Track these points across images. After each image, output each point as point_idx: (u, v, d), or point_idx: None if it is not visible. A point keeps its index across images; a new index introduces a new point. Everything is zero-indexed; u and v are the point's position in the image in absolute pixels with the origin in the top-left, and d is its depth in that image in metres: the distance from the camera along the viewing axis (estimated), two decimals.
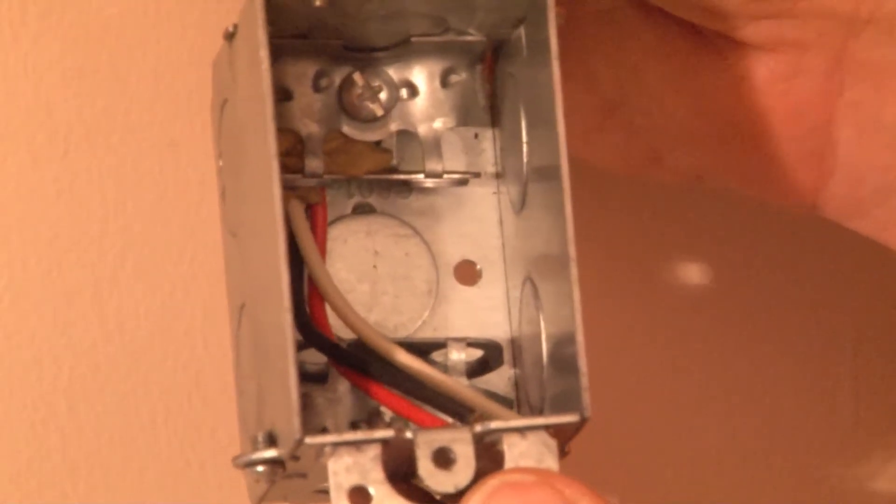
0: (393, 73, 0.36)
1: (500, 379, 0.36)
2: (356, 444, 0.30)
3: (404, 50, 0.35)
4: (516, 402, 0.36)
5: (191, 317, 0.44)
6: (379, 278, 0.36)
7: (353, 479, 0.30)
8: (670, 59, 0.41)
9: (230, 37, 0.33)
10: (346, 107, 0.35)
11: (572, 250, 0.31)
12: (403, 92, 0.36)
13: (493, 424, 0.31)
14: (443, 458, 0.31)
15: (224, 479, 0.45)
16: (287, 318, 0.30)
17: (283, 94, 0.35)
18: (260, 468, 0.31)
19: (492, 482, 0.30)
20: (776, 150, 0.41)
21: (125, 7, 0.45)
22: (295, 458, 0.30)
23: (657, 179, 0.44)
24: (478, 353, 0.36)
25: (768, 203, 0.42)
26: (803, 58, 0.40)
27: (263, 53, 0.30)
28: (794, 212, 0.42)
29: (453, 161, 0.36)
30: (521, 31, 0.34)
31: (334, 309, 0.33)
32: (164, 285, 0.44)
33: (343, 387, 0.34)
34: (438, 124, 0.36)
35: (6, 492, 0.49)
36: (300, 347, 0.32)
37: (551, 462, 0.31)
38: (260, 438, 0.31)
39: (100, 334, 0.47)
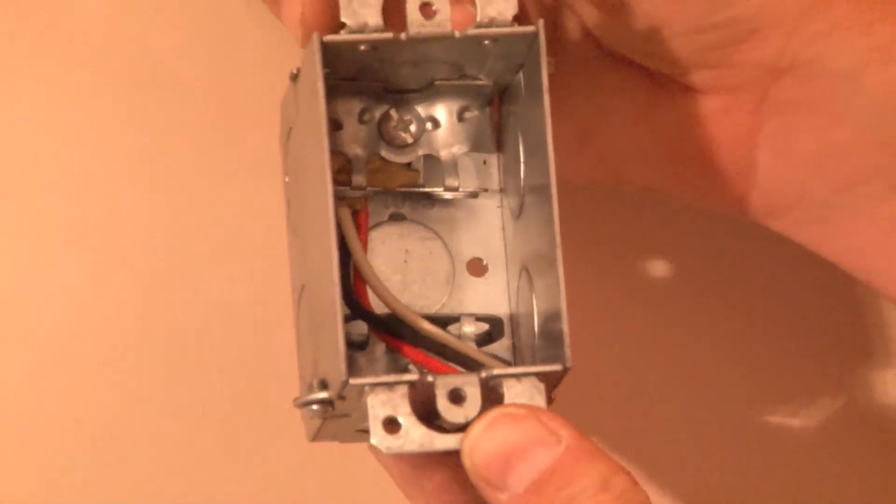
0: (421, 109, 0.41)
1: (501, 347, 0.42)
2: (389, 385, 0.35)
3: (429, 92, 0.40)
4: (514, 365, 0.41)
5: (262, 296, 0.52)
6: (409, 271, 0.42)
7: (386, 412, 0.35)
8: (632, 98, 0.47)
9: (294, 78, 0.39)
10: (384, 135, 0.41)
11: (559, 250, 0.36)
12: (429, 125, 0.41)
13: (496, 371, 0.36)
14: (456, 396, 0.36)
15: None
16: (337, 294, 0.35)
17: (335, 125, 0.40)
18: (314, 407, 0.36)
19: (493, 413, 0.36)
20: (713, 170, 0.47)
21: (208, 58, 0.53)
22: (342, 398, 0.35)
23: (618, 189, 0.50)
24: (484, 327, 0.41)
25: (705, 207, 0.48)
26: (736, 99, 0.45)
27: (321, 94, 0.35)
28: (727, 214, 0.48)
29: (467, 179, 0.42)
30: (521, 76, 0.39)
31: (373, 290, 0.39)
32: (244, 273, 0.52)
33: (379, 351, 0.40)
34: (456, 150, 0.41)
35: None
36: (346, 320, 0.37)
37: (540, 401, 0.36)
38: (315, 384, 0.37)
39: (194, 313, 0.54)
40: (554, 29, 0.46)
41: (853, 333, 0.58)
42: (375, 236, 0.42)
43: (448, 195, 0.42)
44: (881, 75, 0.44)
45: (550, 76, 0.37)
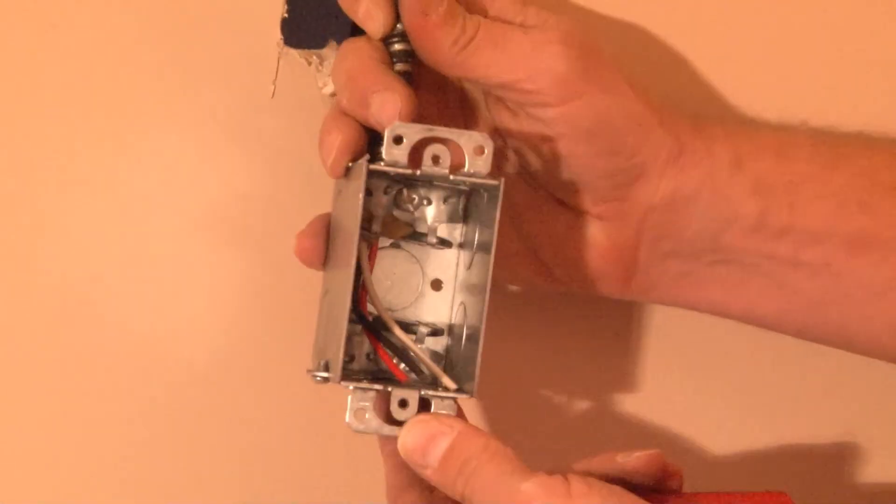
0: (422, 192, 0.58)
1: (439, 343, 0.58)
2: (363, 389, 0.53)
3: (428, 184, 0.57)
4: (445, 358, 0.58)
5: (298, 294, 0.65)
6: (395, 279, 0.59)
7: (358, 405, 0.53)
8: (548, 218, 0.60)
9: (347, 171, 0.55)
10: (397, 203, 0.58)
11: (489, 291, 0.54)
12: (425, 201, 0.58)
13: (430, 392, 0.53)
14: (402, 403, 0.53)
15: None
16: (348, 301, 0.52)
17: (368, 192, 0.55)
18: (318, 379, 0.54)
19: (419, 416, 0.52)
20: (604, 271, 0.60)
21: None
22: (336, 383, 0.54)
23: (549, 288, 0.63)
24: (433, 327, 0.59)
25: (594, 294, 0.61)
26: (623, 222, 0.59)
27: (362, 195, 0.52)
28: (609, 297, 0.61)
29: (442, 235, 0.59)
30: (484, 192, 0.55)
31: (371, 297, 0.57)
32: (282, 282, 0.67)
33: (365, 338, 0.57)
34: (438, 219, 0.58)
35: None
36: (350, 320, 0.54)
37: (451, 410, 0.53)
38: (321, 364, 0.55)
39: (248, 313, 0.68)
40: (501, 156, 0.59)
41: None
42: (380, 255, 0.58)
43: (429, 242, 0.58)
44: (707, 194, 0.58)
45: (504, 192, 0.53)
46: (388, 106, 0.53)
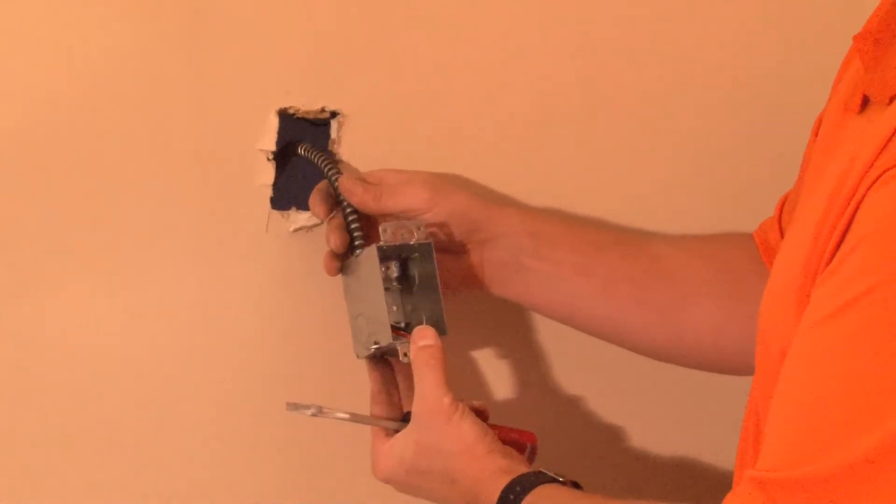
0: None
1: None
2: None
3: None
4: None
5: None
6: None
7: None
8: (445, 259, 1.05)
9: (354, 249, 1.06)
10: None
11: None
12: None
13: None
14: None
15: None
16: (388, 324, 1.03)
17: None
18: (372, 348, 1.04)
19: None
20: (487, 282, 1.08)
21: None
22: (385, 351, 1.03)
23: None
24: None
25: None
26: (490, 261, 1.07)
27: (378, 260, 1.02)
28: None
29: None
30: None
31: None
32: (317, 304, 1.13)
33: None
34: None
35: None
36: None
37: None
38: (371, 346, 1.03)
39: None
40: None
41: None
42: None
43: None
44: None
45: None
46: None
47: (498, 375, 1.18)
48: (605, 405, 1.21)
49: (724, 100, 1.16)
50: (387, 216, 1.05)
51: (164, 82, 1.07)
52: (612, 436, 1.22)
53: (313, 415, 0.97)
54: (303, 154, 1.09)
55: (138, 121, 1.07)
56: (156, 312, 1.12)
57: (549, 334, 1.18)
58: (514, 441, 1.01)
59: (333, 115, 1.12)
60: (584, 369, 1.19)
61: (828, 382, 0.68)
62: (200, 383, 1.14)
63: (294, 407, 0.96)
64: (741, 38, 1.14)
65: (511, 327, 1.18)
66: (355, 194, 1.04)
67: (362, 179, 1.05)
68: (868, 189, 0.68)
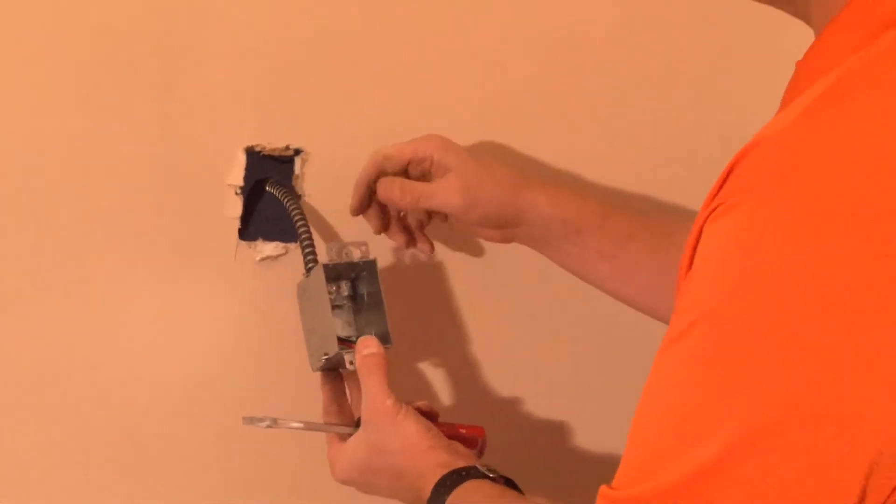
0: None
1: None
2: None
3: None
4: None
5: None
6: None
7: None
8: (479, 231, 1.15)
9: (308, 271, 1.13)
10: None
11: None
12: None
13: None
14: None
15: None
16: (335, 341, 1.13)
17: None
18: (323, 360, 1.10)
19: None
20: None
21: None
22: (331, 359, 1.11)
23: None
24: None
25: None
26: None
27: (323, 279, 1.11)
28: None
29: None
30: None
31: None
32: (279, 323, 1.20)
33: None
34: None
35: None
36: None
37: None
38: (323, 358, 1.09)
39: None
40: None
41: None
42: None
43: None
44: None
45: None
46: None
47: (454, 379, 1.24)
48: (547, 404, 1.27)
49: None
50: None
51: (139, 124, 1.12)
52: (554, 432, 1.27)
53: (268, 426, 1.01)
54: (268, 190, 1.16)
55: (115, 157, 1.12)
56: (129, 334, 1.17)
57: (495, 341, 1.26)
58: (464, 437, 1.05)
59: (297, 152, 1.18)
60: (528, 369, 1.28)
61: (660, 405, 0.71)
62: (171, 399, 1.19)
63: (250, 420, 0.99)
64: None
65: (456, 338, 1.25)
66: (393, 197, 1.11)
67: (399, 182, 1.11)
68: (703, 222, 0.71)
